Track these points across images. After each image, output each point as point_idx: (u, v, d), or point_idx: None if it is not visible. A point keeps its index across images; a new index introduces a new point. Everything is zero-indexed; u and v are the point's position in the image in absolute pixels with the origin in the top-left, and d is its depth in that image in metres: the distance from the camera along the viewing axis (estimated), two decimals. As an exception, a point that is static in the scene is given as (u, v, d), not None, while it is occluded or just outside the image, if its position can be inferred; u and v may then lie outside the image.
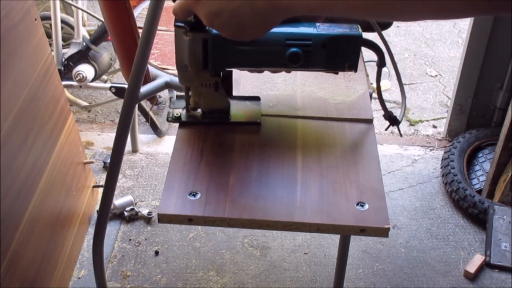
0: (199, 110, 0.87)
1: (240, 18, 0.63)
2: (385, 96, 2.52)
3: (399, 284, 1.65)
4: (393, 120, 0.94)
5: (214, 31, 0.71)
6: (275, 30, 0.69)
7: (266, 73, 1.21)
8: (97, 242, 1.34)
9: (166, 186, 0.79)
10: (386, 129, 1.01)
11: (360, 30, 0.75)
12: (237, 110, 0.88)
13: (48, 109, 1.44)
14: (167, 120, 0.86)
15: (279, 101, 1.12)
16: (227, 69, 0.80)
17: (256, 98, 0.91)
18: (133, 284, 1.63)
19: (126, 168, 2.05)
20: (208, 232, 1.80)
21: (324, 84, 1.18)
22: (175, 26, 0.73)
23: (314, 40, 0.73)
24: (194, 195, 0.76)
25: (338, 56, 0.75)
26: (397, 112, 2.67)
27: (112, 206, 1.79)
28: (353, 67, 0.77)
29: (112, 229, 1.79)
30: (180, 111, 0.88)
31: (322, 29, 0.73)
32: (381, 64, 0.83)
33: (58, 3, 2.05)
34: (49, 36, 1.96)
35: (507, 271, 1.69)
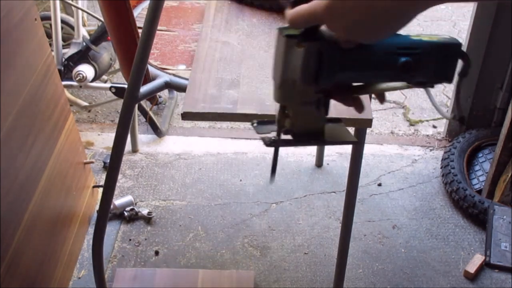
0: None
1: (382, 17, 0.59)
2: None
3: (399, 284, 1.65)
4: (460, 119, 0.90)
5: (327, 39, 0.66)
6: (385, 40, 0.66)
7: (263, 71, 1.21)
8: (97, 242, 1.35)
9: None
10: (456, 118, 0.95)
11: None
12: (326, 130, 0.81)
13: (48, 109, 1.45)
14: (265, 145, 0.77)
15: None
16: (334, 83, 0.75)
17: (337, 120, 0.84)
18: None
19: (126, 168, 2.05)
20: (208, 232, 1.80)
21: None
22: (286, 36, 0.67)
23: (423, 48, 0.71)
24: None
25: (441, 65, 0.73)
26: (397, 112, 2.66)
27: (112, 206, 1.79)
28: (451, 77, 0.74)
29: (112, 229, 1.79)
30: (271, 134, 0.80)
31: (424, 36, 0.72)
32: (464, 74, 0.78)
33: (58, 3, 2.05)
34: (49, 36, 1.96)
35: (507, 271, 1.69)
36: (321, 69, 0.69)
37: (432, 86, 0.76)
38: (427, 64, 0.71)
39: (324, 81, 0.70)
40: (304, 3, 0.63)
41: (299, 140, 0.79)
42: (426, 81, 0.73)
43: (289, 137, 0.78)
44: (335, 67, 0.70)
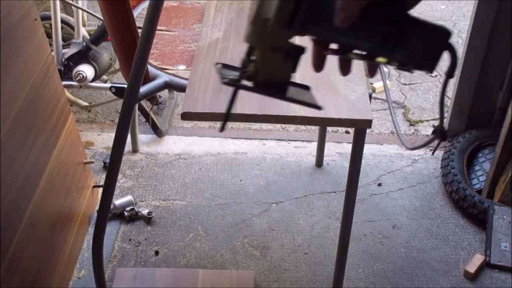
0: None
1: None
2: (384, 96, 2.52)
3: (399, 284, 1.65)
4: (440, 134, 0.83)
5: None
6: None
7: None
8: (97, 242, 1.35)
9: None
10: (437, 142, 0.91)
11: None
12: (291, 92, 0.77)
13: (48, 109, 1.45)
14: (223, 83, 0.73)
15: (277, 102, 1.12)
16: (309, 35, 0.69)
17: (306, 87, 0.80)
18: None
19: (126, 168, 2.05)
20: (208, 232, 1.80)
21: (322, 84, 1.18)
22: None
23: (411, 23, 0.65)
24: None
25: (425, 49, 0.67)
26: (397, 112, 2.65)
27: (112, 206, 1.79)
28: (434, 66, 0.68)
29: (112, 229, 1.79)
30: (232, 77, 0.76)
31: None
32: (451, 74, 0.74)
33: (58, 3, 2.05)
34: (49, 36, 1.96)
35: (507, 271, 1.69)
36: (297, 12, 0.65)
37: (411, 71, 0.72)
38: (412, 42, 0.67)
39: (298, 26, 0.66)
40: None
41: (259, 88, 0.74)
42: (406, 62, 0.69)
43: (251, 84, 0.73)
44: (313, 16, 0.66)
